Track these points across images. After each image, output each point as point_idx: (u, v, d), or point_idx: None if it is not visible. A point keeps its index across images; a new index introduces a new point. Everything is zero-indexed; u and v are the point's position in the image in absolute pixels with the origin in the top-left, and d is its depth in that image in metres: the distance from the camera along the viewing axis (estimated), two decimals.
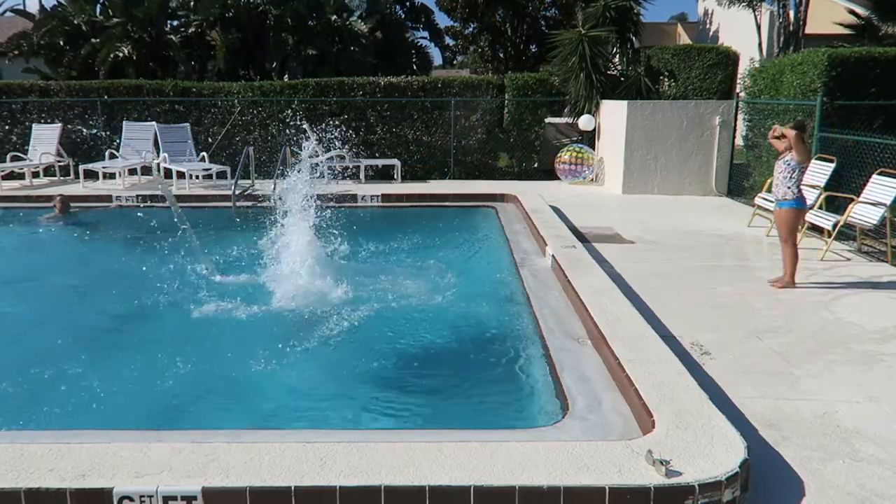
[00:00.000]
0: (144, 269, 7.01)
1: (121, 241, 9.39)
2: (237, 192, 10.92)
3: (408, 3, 27.55)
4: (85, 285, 7.13)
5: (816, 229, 7.89)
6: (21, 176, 12.75)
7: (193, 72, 19.77)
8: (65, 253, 8.89)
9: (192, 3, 19.95)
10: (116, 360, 5.02)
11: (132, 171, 12.60)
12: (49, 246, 9.26)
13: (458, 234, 9.58)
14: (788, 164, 6.06)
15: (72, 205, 10.61)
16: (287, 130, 13.25)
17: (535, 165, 13.68)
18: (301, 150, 7.35)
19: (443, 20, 70.46)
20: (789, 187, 6.05)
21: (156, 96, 13.49)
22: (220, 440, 3.31)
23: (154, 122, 12.82)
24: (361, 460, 3.05)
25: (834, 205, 7.99)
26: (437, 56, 53.44)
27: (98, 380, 4.58)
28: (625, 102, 11.43)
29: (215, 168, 12.25)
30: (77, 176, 12.46)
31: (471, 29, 30.45)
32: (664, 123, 11.19)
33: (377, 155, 13.42)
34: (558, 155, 12.87)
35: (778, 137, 6.26)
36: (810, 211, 7.76)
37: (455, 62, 43.96)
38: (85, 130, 13.09)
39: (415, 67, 24.58)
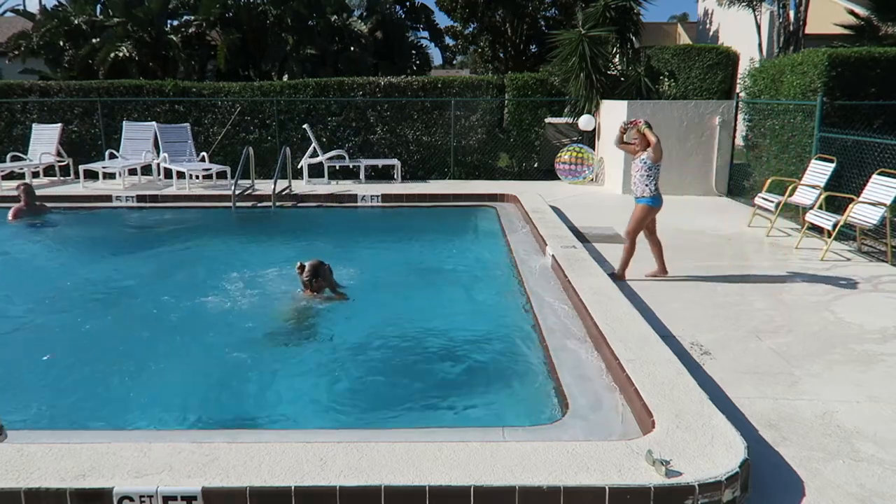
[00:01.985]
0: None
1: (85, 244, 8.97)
2: (237, 193, 10.92)
3: (408, 3, 27.55)
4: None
5: (816, 229, 7.88)
6: (21, 176, 12.74)
7: (193, 72, 19.77)
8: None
9: (192, 3, 19.94)
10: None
11: (132, 171, 12.60)
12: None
13: (458, 234, 9.59)
14: (644, 163, 6.20)
15: (38, 197, 10.25)
16: (287, 130, 13.27)
17: (535, 165, 13.68)
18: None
19: (443, 20, 70.52)
20: (647, 185, 6.21)
21: (156, 96, 13.49)
22: (220, 440, 3.31)
23: (154, 122, 12.81)
24: (361, 460, 3.05)
25: (834, 205, 7.99)
26: (437, 56, 53.56)
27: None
28: (625, 102, 11.43)
29: (215, 168, 12.25)
30: (77, 176, 12.46)
31: (471, 29, 30.45)
32: (664, 123, 11.18)
33: (377, 155, 13.44)
34: (558, 155, 12.87)
35: (628, 143, 6.39)
36: (810, 211, 7.78)
37: (455, 62, 43.96)
38: None
39: (415, 67, 24.58)
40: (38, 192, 11.52)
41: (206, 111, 13.48)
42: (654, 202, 6.25)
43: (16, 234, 9.53)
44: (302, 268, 6.01)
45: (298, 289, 6.09)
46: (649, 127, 6.15)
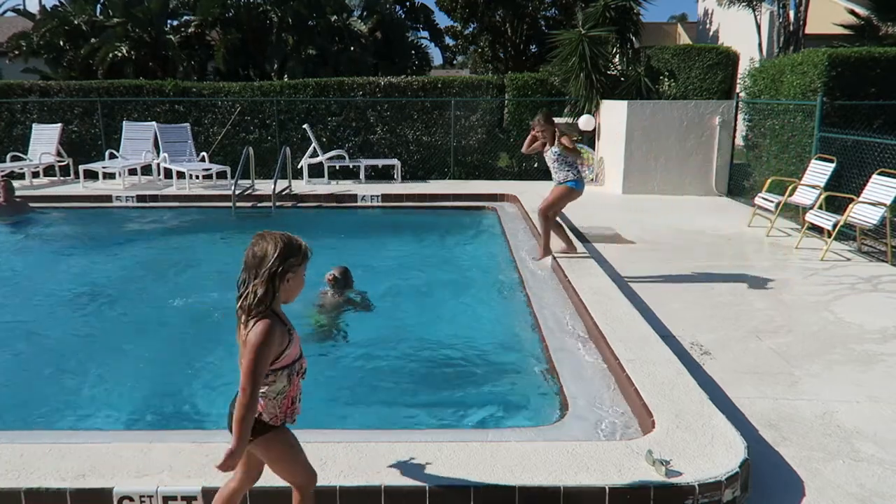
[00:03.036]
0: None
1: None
2: (237, 193, 10.92)
3: (408, 3, 27.57)
4: None
5: (816, 229, 7.88)
6: (21, 176, 12.74)
7: (193, 72, 19.76)
8: None
9: (191, 3, 19.94)
10: None
11: (132, 171, 12.60)
12: None
13: (458, 234, 9.58)
14: (555, 154, 6.49)
15: (17, 194, 10.13)
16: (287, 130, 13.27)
17: (535, 165, 13.67)
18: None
19: (443, 20, 70.46)
20: (567, 171, 6.51)
21: (156, 96, 13.49)
22: (219, 440, 3.30)
23: (154, 122, 12.81)
24: (361, 460, 3.05)
25: (834, 205, 7.99)
26: (437, 56, 53.57)
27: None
28: (625, 102, 11.43)
29: (215, 168, 12.25)
30: (77, 176, 12.46)
31: (471, 29, 30.46)
32: (664, 123, 11.19)
33: (377, 155, 13.43)
34: None
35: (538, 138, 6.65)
36: (810, 211, 7.77)
37: (455, 62, 43.95)
38: None
39: (415, 67, 24.58)
40: (39, 193, 11.57)
41: (206, 111, 13.48)
42: (577, 185, 6.51)
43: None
44: (334, 277, 6.00)
45: (318, 291, 6.02)
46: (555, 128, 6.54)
